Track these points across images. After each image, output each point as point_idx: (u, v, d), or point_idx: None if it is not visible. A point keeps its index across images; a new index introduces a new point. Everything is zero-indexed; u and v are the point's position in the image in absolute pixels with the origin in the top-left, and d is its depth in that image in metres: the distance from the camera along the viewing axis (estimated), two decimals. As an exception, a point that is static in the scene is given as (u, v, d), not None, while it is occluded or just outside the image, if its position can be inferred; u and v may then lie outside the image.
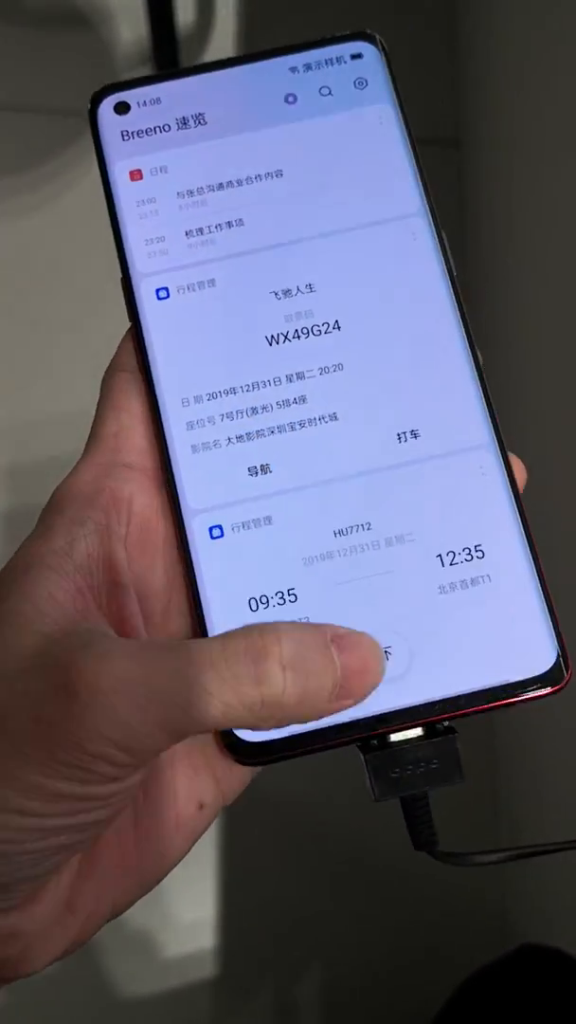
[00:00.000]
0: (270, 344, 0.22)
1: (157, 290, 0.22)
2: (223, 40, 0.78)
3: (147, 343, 0.22)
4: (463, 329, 0.22)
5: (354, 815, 0.64)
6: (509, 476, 0.21)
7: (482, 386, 0.22)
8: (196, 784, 0.21)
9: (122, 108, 0.24)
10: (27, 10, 0.77)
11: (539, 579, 0.21)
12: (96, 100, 0.24)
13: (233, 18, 0.78)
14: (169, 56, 0.71)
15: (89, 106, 0.24)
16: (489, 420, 0.21)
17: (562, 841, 0.23)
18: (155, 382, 0.22)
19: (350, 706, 0.18)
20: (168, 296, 0.22)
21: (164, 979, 0.64)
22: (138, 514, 0.21)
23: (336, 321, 0.22)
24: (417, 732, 0.21)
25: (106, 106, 0.24)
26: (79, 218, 0.72)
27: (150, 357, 0.22)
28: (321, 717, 0.18)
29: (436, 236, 0.23)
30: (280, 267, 0.22)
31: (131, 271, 0.23)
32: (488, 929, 0.64)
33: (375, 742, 0.21)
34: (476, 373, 0.22)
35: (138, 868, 0.21)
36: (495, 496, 0.21)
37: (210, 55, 0.76)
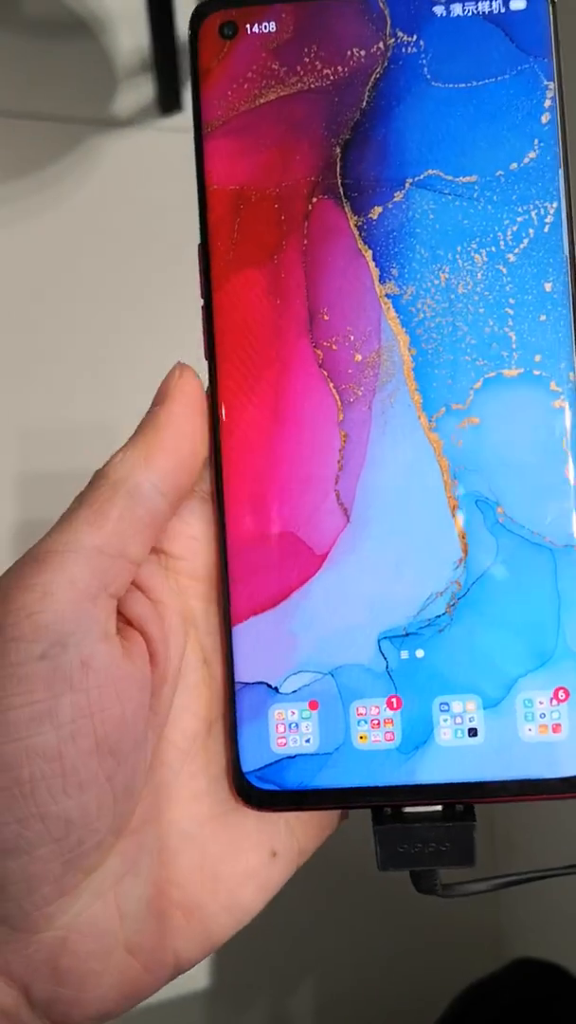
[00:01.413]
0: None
1: None
2: None
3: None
4: None
5: (350, 830, 0.64)
6: None
7: None
8: (266, 829, 0.21)
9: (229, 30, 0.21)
10: (27, 17, 0.78)
11: None
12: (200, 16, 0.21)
13: None
14: (169, 65, 0.71)
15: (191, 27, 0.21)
16: None
17: (555, 868, 0.22)
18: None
19: None
20: None
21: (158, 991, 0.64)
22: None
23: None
24: (435, 808, 0.20)
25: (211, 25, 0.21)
26: (78, 226, 0.72)
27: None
28: None
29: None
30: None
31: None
32: (482, 943, 0.64)
33: (388, 811, 0.20)
34: None
35: (204, 915, 0.20)
36: None
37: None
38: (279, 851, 0.21)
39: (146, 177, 0.73)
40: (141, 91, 0.74)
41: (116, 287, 0.70)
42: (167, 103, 0.73)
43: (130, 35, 0.77)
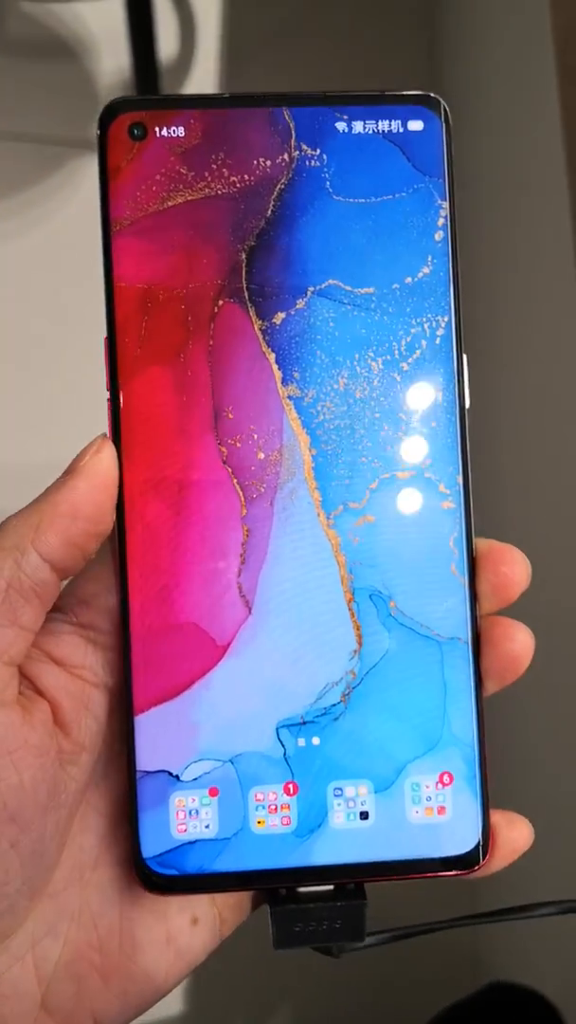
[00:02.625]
0: None
1: None
2: (205, 72, 0.78)
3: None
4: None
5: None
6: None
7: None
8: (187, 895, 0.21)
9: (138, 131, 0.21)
10: (9, 37, 0.75)
11: (481, 765, 0.21)
12: (109, 114, 0.21)
13: (216, 50, 0.78)
14: (151, 88, 0.70)
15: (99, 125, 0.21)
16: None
17: (443, 920, 0.24)
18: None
19: None
20: None
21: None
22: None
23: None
24: (327, 888, 0.21)
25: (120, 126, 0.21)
26: (57, 248, 0.70)
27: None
28: None
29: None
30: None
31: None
32: (459, 966, 0.65)
33: (283, 891, 0.21)
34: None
35: (123, 979, 0.21)
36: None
37: (192, 87, 0.76)
38: (200, 918, 0.22)
39: None
40: None
41: (95, 310, 0.68)
42: None
43: (112, 57, 0.75)
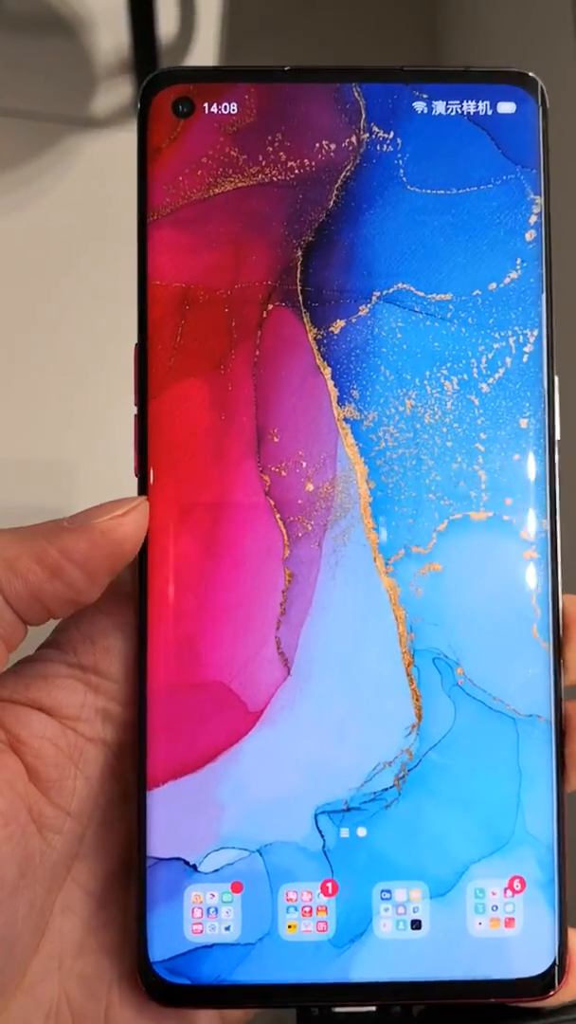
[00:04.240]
0: None
1: None
2: (205, 50, 0.77)
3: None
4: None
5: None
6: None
7: None
8: None
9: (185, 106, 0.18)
10: (6, 13, 0.75)
11: (560, 870, 0.18)
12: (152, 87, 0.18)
13: (216, 28, 0.77)
14: (149, 67, 0.69)
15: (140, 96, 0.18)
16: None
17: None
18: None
19: None
20: None
21: None
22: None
23: None
24: (369, 1009, 0.18)
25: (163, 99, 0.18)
26: (51, 228, 0.69)
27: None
28: None
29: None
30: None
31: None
32: None
33: (316, 1011, 0.18)
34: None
35: None
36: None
37: (191, 64, 0.75)
38: (198, 1018, 0.18)
39: (122, 179, 0.72)
40: (120, 92, 0.72)
41: (87, 291, 0.67)
42: None
43: (110, 35, 0.75)
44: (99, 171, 0.71)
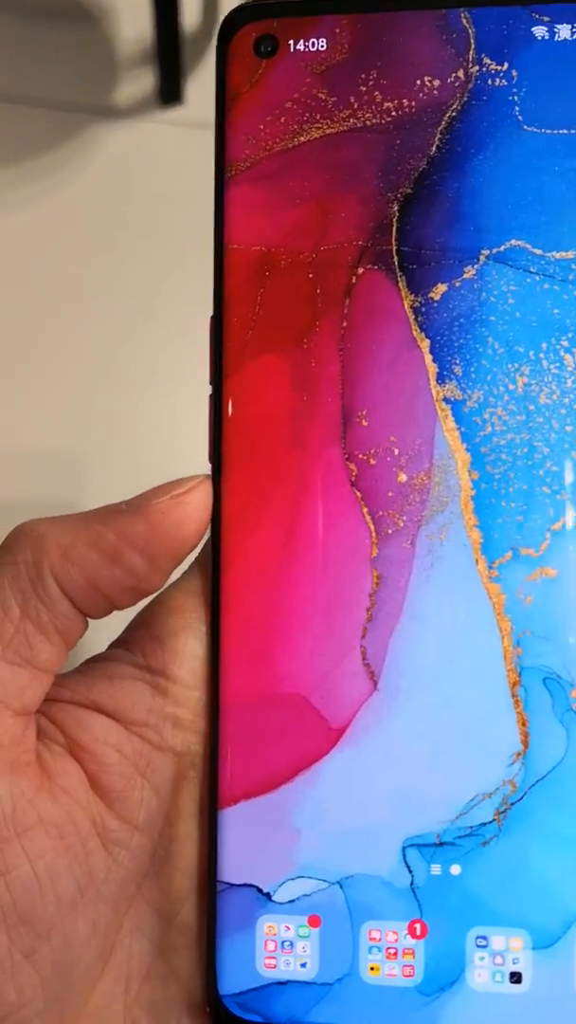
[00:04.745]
0: None
1: None
2: None
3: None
4: None
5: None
6: None
7: None
8: None
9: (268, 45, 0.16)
10: (28, 2, 0.75)
11: None
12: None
13: None
14: (171, 56, 0.68)
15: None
16: None
17: None
18: None
19: None
20: None
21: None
22: None
23: None
24: None
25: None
26: (71, 218, 0.68)
27: None
28: None
29: None
30: None
31: None
32: None
33: None
34: None
35: None
36: None
37: (214, 58, 0.73)
38: None
39: (143, 170, 0.71)
40: (142, 82, 0.72)
41: (107, 283, 0.67)
42: (167, 95, 0.71)
43: (133, 24, 0.74)
44: (120, 161, 0.70)
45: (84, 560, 0.15)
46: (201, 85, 0.74)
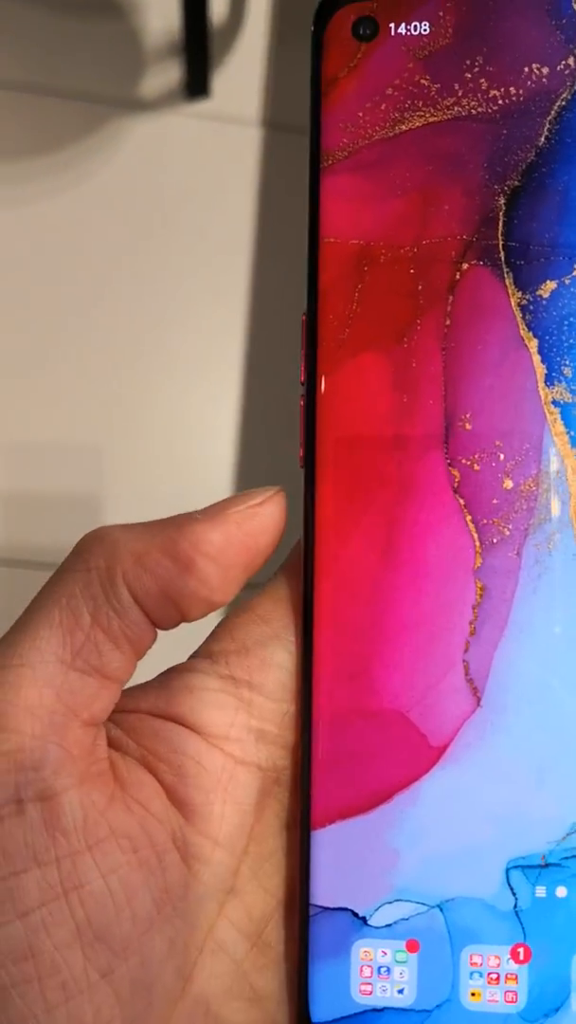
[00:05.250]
0: None
1: None
2: (255, 35, 0.74)
3: None
4: None
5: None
6: None
7: None
8: None
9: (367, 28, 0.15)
10: None
11: None
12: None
13: (267, 12, 0.74)
14: (199, 49, 0.67)
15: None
16: None
17: None
18: None
19: None
20: None
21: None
22: None
23: None
24: None
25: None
26: (96, 210, 0.68)
27: None
28: None
29: None
30: None
31: None
32: None
33: None
34: None
35: None
36: None
37: (242, 51, 0.72)
38: None
39: (169, 163, 0.70)
40: (169, 75, 0.72)
41: (130, 275, 0.66)
42: (194, 88, 0.70)
43: (161, 17, 0.74)
44: (146, 154, 0.70)
45: (158, 567, 0.15)
46: (228, 78, 0.74)
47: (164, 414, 0.65)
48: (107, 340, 0.66)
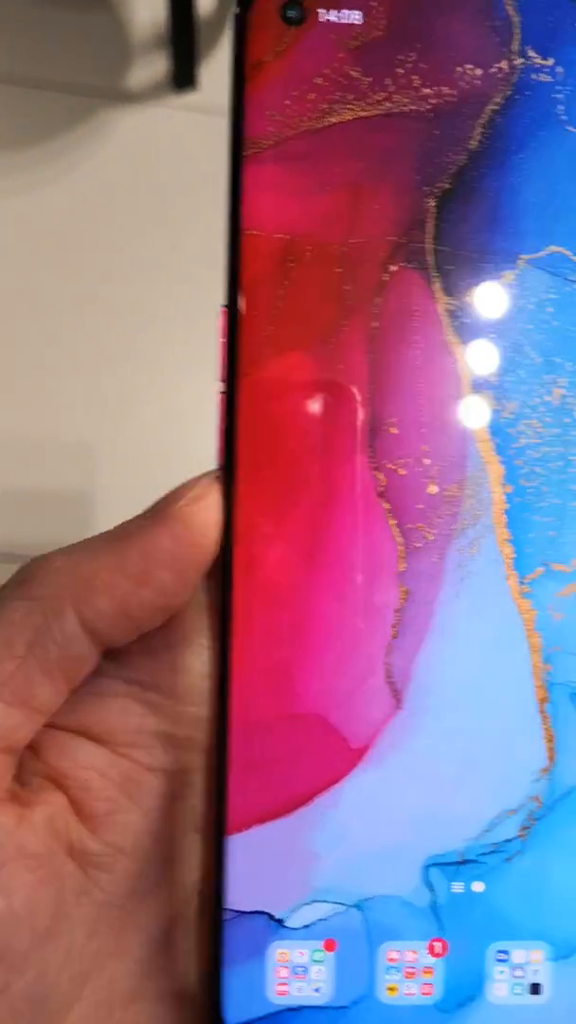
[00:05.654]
0: None
1: None
2: None
3: None
4: None
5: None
6: None
7: None
8: None
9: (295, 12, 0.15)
10: None
11: None
12: None
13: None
14: (185, 41, 0.66)
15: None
16: None
17: None
18: None
19: None
20: None
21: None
22: None
23: None
24: None
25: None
26: (82, 202, 0.67)
27: None
28: None
29: None
30: None
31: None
32: None
33: None
34: None
35: None
36: None
37: (229, 43, 0.71)
38: None
39: (155, 155, 0.70)
40: (155, 66, 0.71)
41: (117, 268, 0.66)
42: (181, 80, 0.69)
43: (147, 8, 0.73)
44: (133, 146, 0.69)
45: (111, 588, 0.14)
46: (216, 71, 0.73)
47: (152, 408, 0.64)
48: (93, 333, 0.65)
